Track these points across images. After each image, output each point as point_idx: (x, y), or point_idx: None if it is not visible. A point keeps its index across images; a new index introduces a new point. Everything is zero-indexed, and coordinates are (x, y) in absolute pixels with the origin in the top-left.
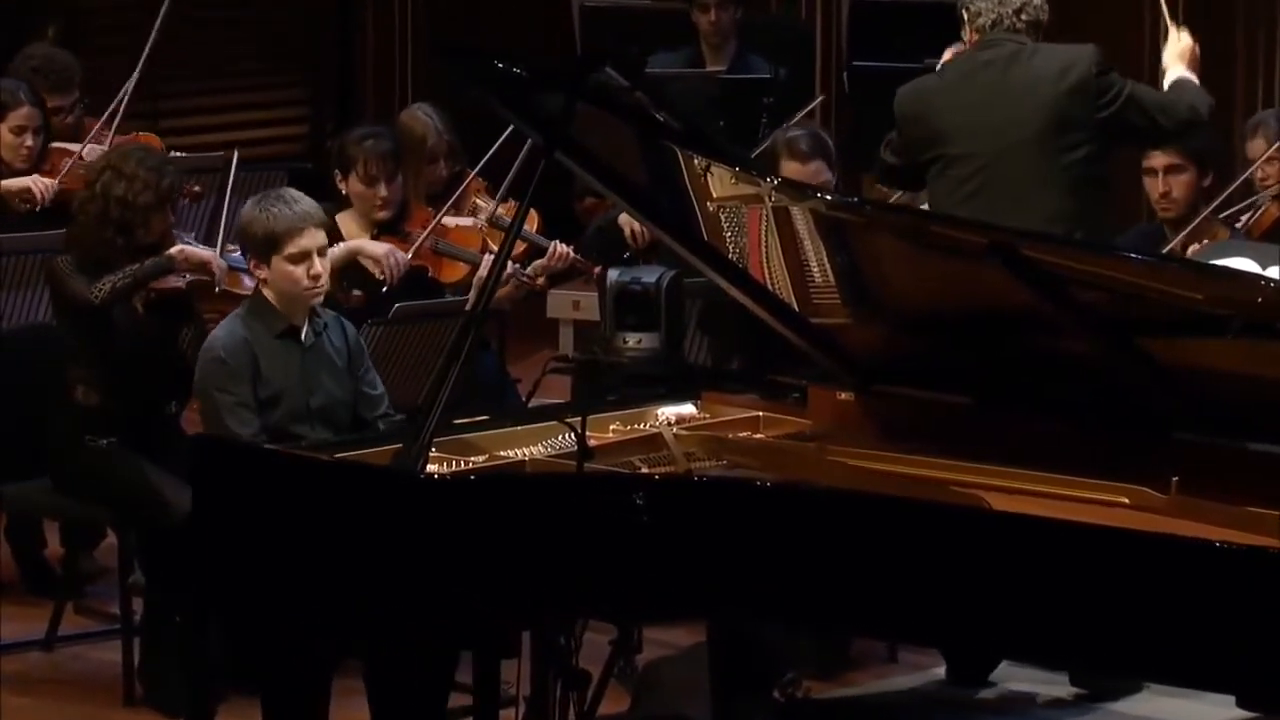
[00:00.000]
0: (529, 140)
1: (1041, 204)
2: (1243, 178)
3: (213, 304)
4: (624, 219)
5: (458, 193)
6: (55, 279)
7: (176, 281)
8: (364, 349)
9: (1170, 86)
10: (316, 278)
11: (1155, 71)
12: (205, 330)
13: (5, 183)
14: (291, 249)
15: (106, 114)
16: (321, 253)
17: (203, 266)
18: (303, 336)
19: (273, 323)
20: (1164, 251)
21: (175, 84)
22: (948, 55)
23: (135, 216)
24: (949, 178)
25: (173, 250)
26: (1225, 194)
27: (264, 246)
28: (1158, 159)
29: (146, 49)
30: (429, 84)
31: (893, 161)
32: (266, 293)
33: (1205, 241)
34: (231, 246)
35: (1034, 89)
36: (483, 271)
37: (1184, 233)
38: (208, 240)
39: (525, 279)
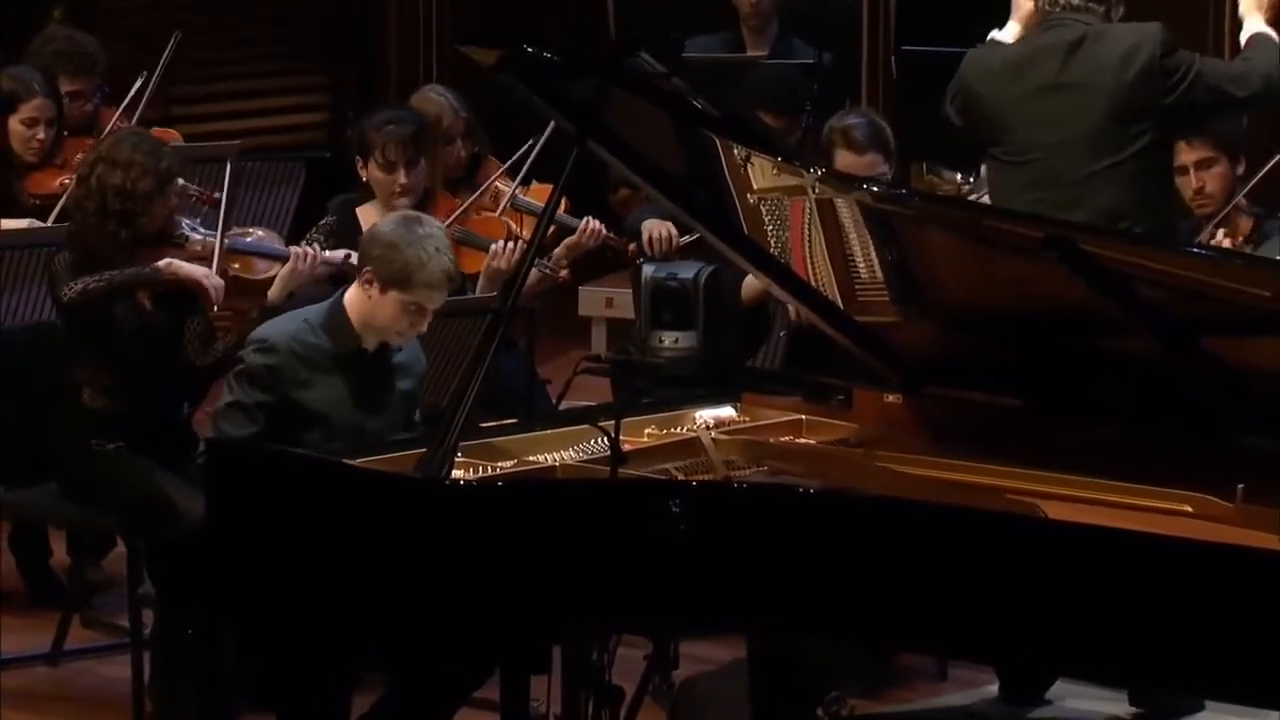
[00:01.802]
0: (551, 123)
1: (1101, 197)
2: (1270, 165)
3: (235, 299)
4: (647, 224)
5: (484, 187)
6: (50, 278)
7: None
8: (423, 380)
9: (1246, 46)
10: (414, 334)
11: (1219, 46)
12: (211, 326)
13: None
14: (416, 298)
15: (122, 107)
16: (433, 314)
17: (192, 285)
18: (369, 359)
19: (341, 341)
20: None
21: (190, 71)
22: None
23: (136, 205)
24: (1007, 165)
25: (160, 263)
26: (1252, 181)
27: (394, 277)
28: (1186, 154)
29: (164, 59)
30: (454, 70)
31: (957, 122)
32: (352, 303)
33: (1223, 233)
34: (240, 230)
35: (1096, 78)
36: (499, 263)
37: (1212, 224)
38: (211, 226)
39: (548, 270)
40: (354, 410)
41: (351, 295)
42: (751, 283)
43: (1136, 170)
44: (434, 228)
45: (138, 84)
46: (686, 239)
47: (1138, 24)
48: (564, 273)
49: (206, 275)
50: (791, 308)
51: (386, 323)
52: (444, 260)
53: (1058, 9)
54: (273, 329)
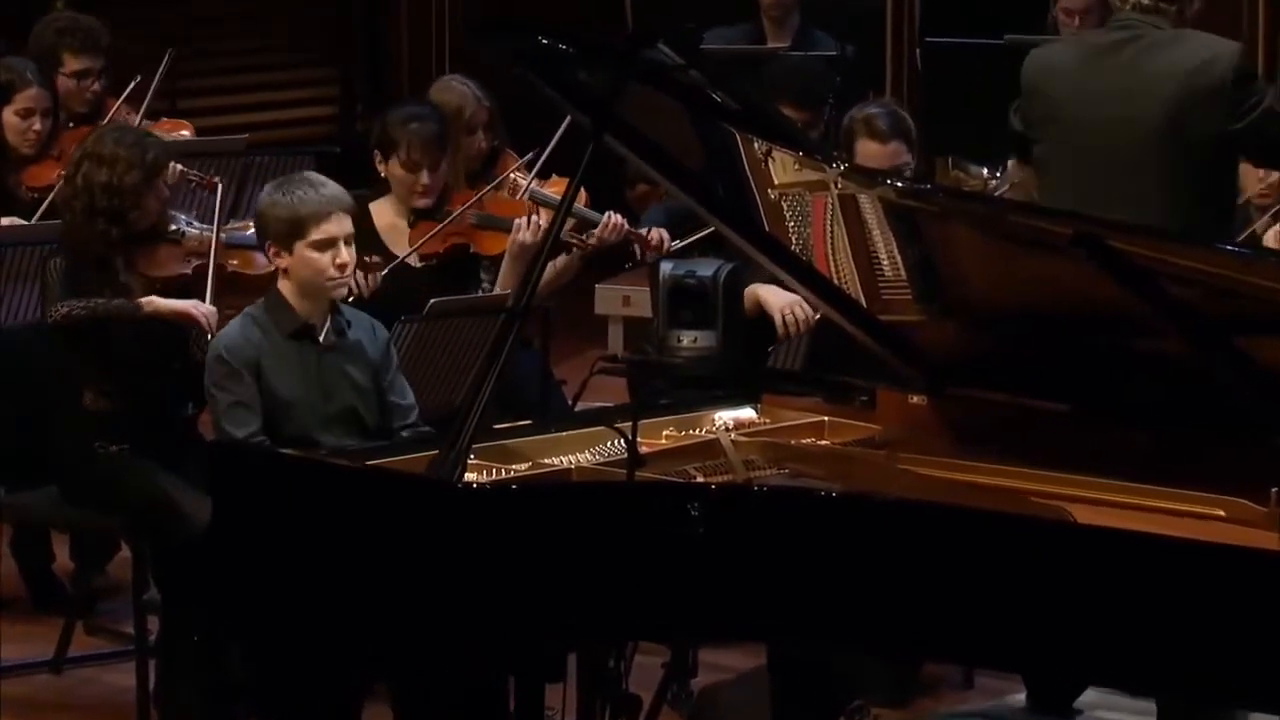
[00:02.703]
0: (568, 116)
1: (1145, 214)
2: None
3: (235, 297)
4: (657, 234)
5: (501, 178)
6: (43, 288)
7: (182, 269)
8: (393, 355)
9: None
10: (343, 267)
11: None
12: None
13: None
14: (317, 235)
15: (118, 104)
16: (348, 241)
17: (181, 318)
18: (321, 337)
19: (286, 321)
20: (1244, 235)
21: (195, 63)
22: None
23: (125, 201)
24: (1055, 168)
25: (141, 299)
26: None
27: (287, 232)
28: None
29: (160, 73)
30: (467, 63)
31: (1019, 129)
32: (283, 286)
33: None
34: (238, 224)
35: (1158, 86)
36: (524, 236)
37: (1268, 215)
38: (206, 219)
39: (574, 239)
40: (314, 393)
41: (280, 281)
42: (750, 294)
43: (1191, 188)
44: (309, 174)
45: (131, 85)
46: (677, 244)
47: (1215, 39)
48: (592, 240)
49: (194, 305)
50: (779, 321)
51: (313, 277)
52: (323, 189)
53: (1127, 8)
54: (225, 331)
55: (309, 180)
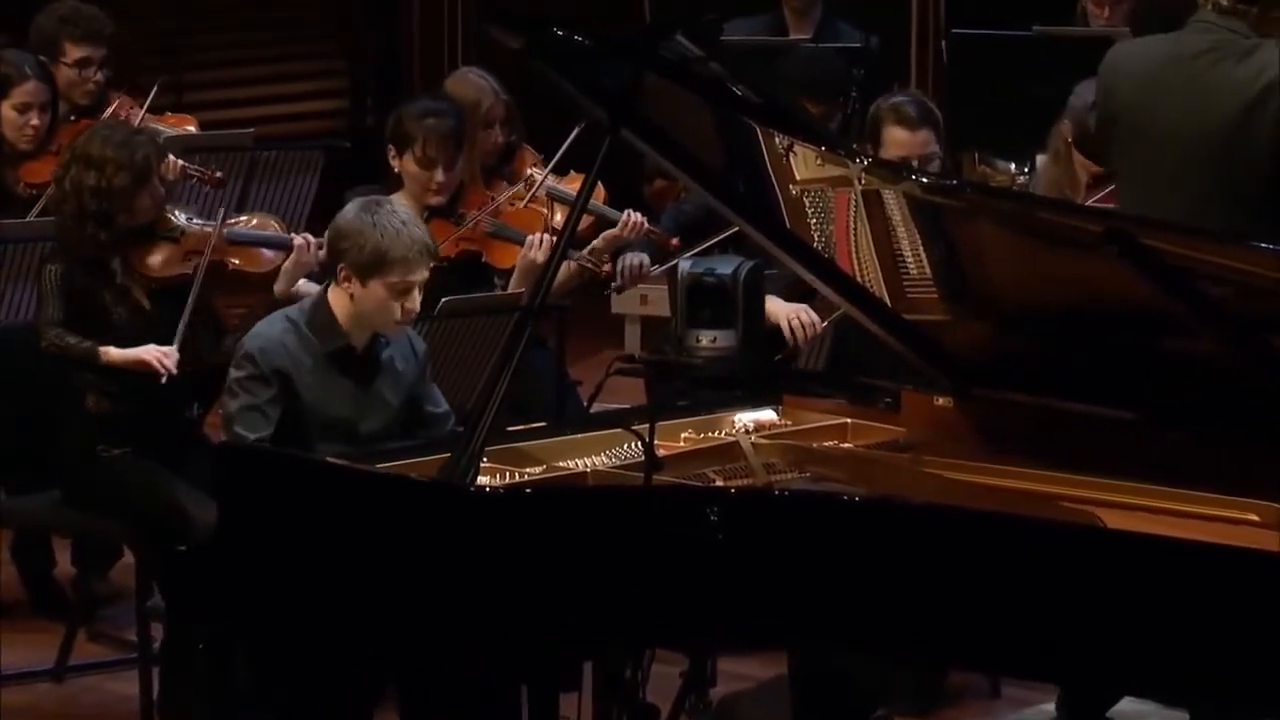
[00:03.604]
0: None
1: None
2: None
3: (238, 296)
4: (623, 255)
5: (520, 184)
6: (38, 296)
7: (182, 269)
8: (428, 367)
9: None
10: (410, 314)
11: None
12: (220, 320)
13: None
14: (396, 279)
15: (123, 92)
16: (422, 289)
17: (138, 366)
18: (360, 357)
19: (329, 339)
20: None
21: (202, 56)
22: None
23: (116, 203)
24: (1124, 171)
25: (100, 349)
26: None
27: (368, 264)
28: None
29: (150, 98)
30: (481, 57)
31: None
32: (336, 300)
33: None
34: (236, 219)
35: (1224, 102)
36: (535, 254)
37: None
38: (208, 215)
39: (590, 263)
40: (347, 413)
41: (334, 294)
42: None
43: (1256, 201)
44: (396, 204)
45: (127, 85)
46: (659, 269)
47: None
48: (607, 267)
49: (148, 351)
50: (786, 328)
51: (377, 313)
52: (414, 231)
53: (1207, 7)
54: (261, 330)
55: (398, 213)
